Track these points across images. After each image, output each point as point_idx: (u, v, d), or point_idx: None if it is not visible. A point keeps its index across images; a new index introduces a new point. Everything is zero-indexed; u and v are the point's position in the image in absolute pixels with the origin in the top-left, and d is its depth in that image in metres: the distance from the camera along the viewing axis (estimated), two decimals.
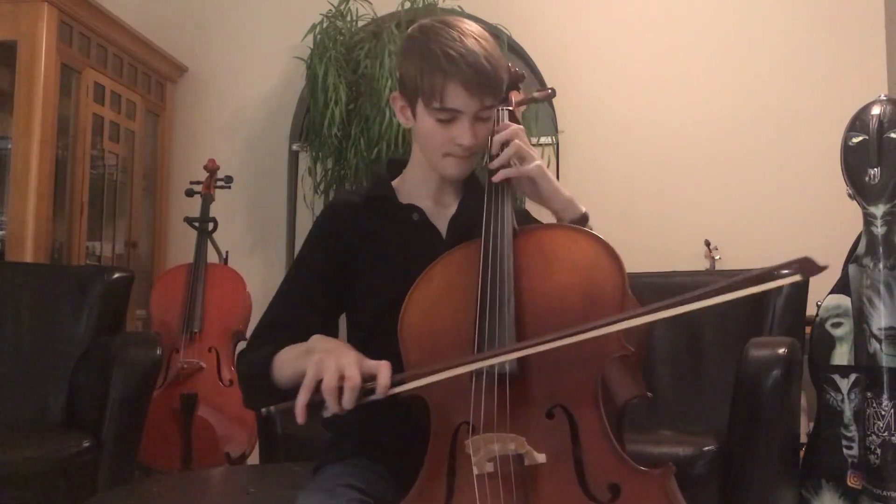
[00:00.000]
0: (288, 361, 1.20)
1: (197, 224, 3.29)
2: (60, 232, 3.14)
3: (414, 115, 1.31)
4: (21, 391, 2.45)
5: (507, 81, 1.32)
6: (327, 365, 1.05)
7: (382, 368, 1.06)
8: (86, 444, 2.20)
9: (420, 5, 3.57)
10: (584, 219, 1.30)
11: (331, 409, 1.05)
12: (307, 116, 3.65)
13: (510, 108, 1.41)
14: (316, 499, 1.16)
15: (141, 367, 2.36)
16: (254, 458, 3.00)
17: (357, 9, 3.66)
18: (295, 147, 3.94)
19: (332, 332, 1.33)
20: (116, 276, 2.65)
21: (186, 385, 2.97)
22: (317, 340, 1.18)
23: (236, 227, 3.81)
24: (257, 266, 3.78)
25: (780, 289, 2.40)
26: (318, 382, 1.05)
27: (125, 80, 3.54)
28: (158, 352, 2.43)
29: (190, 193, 3.33)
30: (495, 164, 1.28)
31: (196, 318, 3.07)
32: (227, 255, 3.39)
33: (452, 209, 1.39)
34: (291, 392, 1.08)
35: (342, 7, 3.63)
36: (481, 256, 1.19)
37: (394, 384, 1.07)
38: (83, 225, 3.20)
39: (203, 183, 3.36)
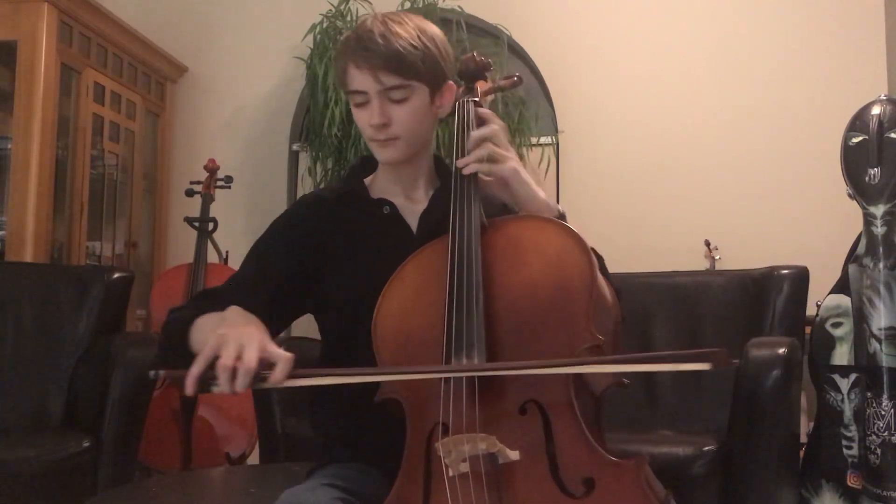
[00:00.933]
0: (203, 328, 1.17)
1: (197, 224, 3.29)
2: (60, 232, 3.14)
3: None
4: (21, 391, 2.45)
5: (423, 61, 1.26)
6: (228, 341, 1.03)
7: (283, 360, 1.03)
8: (86, 444, 2.20)
9: (420, 5, 3.57)
10: (560, 218, 1.28)
11: (222, 387, 1.01)
12: (307, 116, 3.65)
13: (475, 98, 1.39)
14: (296, 496, 1.15)
15: (141, 367, 2.36)
16: (254, 458, 3.00)
17: (357, 9, 3.66)
18: (295, 147, 3.94)
19: (275, 324, 1.30)
20: (116, 276, 2.65)
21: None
22: (232, 312, 1.15)
23: (236, 227, 3.80)
24: None
25: (780, 289, 2.40)
26: (216, 358, 1.02)
27: (125, 80, 3.54)
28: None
29: (190, 193, 3.33)
30: (461, 162, 1.26)
31: None
32: (227, 255, 3.39)
33: (423, 204, 1.38)
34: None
35: (342, 7, 3.63)
36: (448, 253, 1.18)
37: (295, 377, 1.04)
38: (83, 225, 3.20)
39: (203, 183, 3.36)
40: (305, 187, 3.65)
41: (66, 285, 2.60)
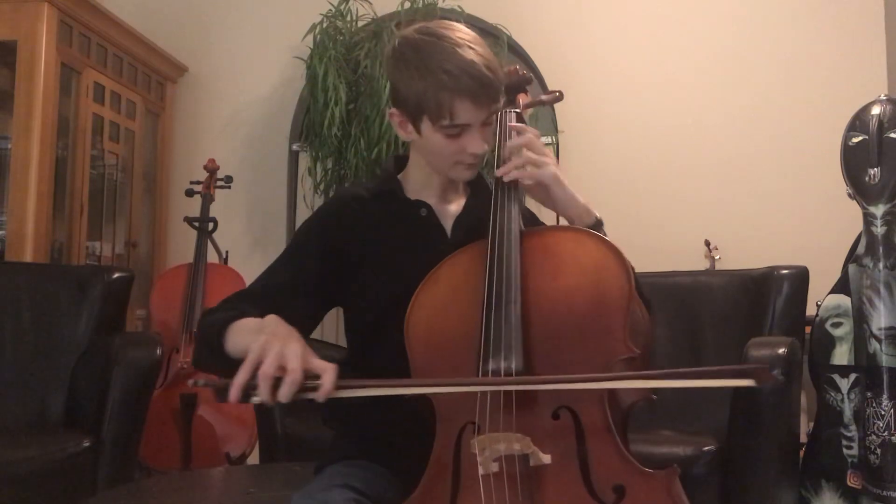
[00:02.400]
0: (241, 332, 1.16)
1: (197, 224, 3.28)
2: (60, 232, 3.14)
3: (418, 131, 1.29)
4: (21, 391, 2.45)
5: (506, 81, 1.30)
6: (270, 350, 1.01)
7: (329, 371, 1.02)
8: (86, 444, 2.21)
9: (420, 5, 3.58)
10: (597, 224, 1.29)
11: (262, 397, 1.00)
12: (307, 116, 3.65)
13: (517, 110, 1.40)
14: (310, 498, 1.15)
15: (141, 367, 2.36)
16: (254, 458, 3.00)
17: (357, 9, 3.66)
18: (295, 147, 3.94)
19: (309, 323, 1.31)
20: (116, 276, 2.65)
21: (186, 385, 2.96)
22: (270, 321, 1.14)
23: (236, 227, 3.81)
24: (257, 266, 3.70)
25: (780, 289, 2.40)
26: (258, 365, 1.01)
27: (125, 80, 3.54)
28: (158, 352, 2.43)
29: (190, 193, 3.33)
30: (502, 170, 1.26)
31: (196, 318, 3.06)
32: (227, 255, 3.39)
33: (457, 208, 1.39)
34: (238, 363, 1.04)
35: (342, 7, 3.63)
36: (488, 257, 1.19)
37: (339, 388, 1.02)
38: (83, 225, 3.20)
39: (203, 183, 3.36)
40: (305, 187, 3.65)
41: (66, 285, 2.60)
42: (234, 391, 1.00)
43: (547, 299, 1.15)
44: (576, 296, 1.15)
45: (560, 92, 1.58)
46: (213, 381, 1.06)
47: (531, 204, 1.45)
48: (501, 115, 1.37)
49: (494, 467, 1.03)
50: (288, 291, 1.30)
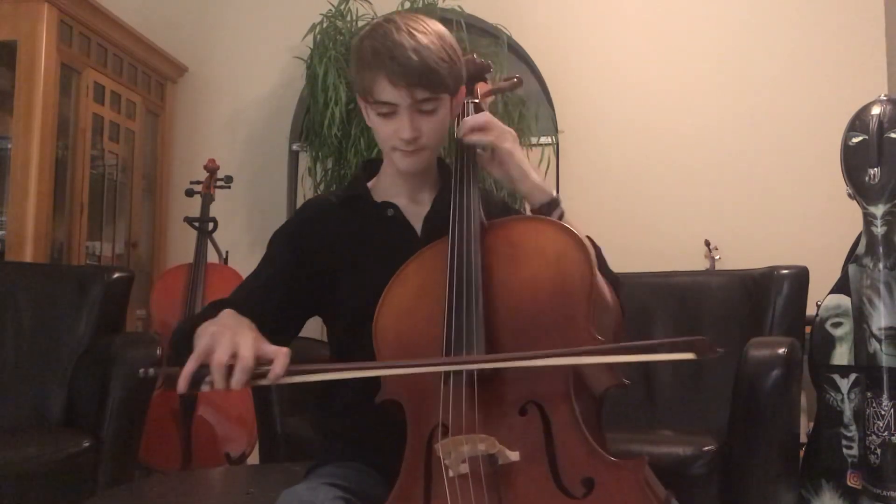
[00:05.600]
0: (203, 332, 1.16)
1: (197, 224, 3.28)
2: (60, 232, 3.14)
3: (367, 114, 1.33)
4: (21, 391, 2.45)
5: (449, 74, 1.27)
6: (223, 339, 1.04)
7: (280, 356, 1.04)
8: (86, 444, 2.20)
9: (420, 5, 3.57)
10: (553, 203, 1.29)
11: (217, 384, 1.02)
12: (307, 116, 3.65)
13: (476, 100, 1.39)
14: (296, 495, 1.15)
15: (141, 368, 2.35)
16: (254, 458, 3.00)
17: (357, 9, 3.66)
18: (295, 147, 3.94)
19: (287, 329, 1.33)
20: (116, 276, 2.65)
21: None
22: (225, 316, 1.17)
23: (236, 227, 3.81)
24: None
25: (780, 289, 2.40)
26: (210, 355, 1.03)
27: (125, 80, 3.54)
28: (158, 352, 2.43)
29: (190, 193, 3.33)
30: (461, 129, 1.29)
31: None
32: (227, 255, 3.39)
33: (427, 206, 1.39)
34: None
35: (342, 7, 3.63)
36: (448, 254, 1.19)
37: (293, 373, 1.05)
38: (83, 225, 3.20)
39: (203, 183, 3.36)
40: (305, 187, 3.65)
41: (66, 285, 2.60)
42: (183, 380, 1.02)
43: (510, 292, 1.15)
44: (538, 286, 1.14)
45: (518, 77, 1.53)
46: (165, 370, 1.08)
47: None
48: (461, 106, 1.38)
49: (463, 469, 1.03)
50: (260, 295, 1.31)
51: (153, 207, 3.82)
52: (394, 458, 1.14)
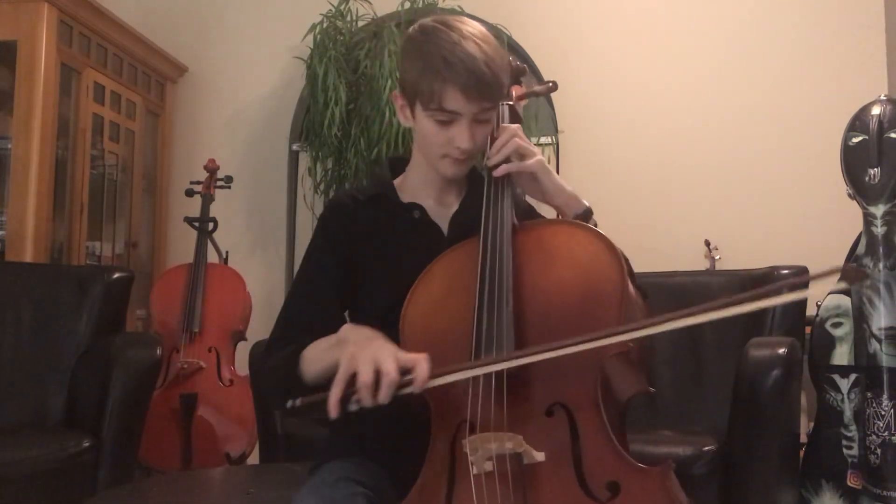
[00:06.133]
0: (318, 356, 1.18)
1: (197, 224, 3.29)
2: (60, 232, 3.13)
3: (413, 115, 1.31)
4: (21, 391, 2.45)
5: (507, 82, 1.30)
6: (363, 358, 1.04)
7: (421, 362, 1.05)
8: (86, 444, 2.20)
9: (420, 5, 3.57)
10: (587, 213, 1.30)
11: (364, 402, 1.03)
12: (307, 116, 3.64)
13: (510, 102, 1.40)
14: (316, 494, 1.15)
15: (141, 367, 2.36)
16: (254, 458, 3.00)
17: (357, 9, 3.66)
18: (295, 147, 3.94)
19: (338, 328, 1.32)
20: (116, 276, 2.65)
21: (186, 385, 2.97)
22: (348, 331, 1.17)
23: (236, 227, 3.81)
24: (257, 266, 3.78)
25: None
26: (352, 376, 1.04)
27: (125, 80, 3.54)
28: (158, 352, 2.43)
29: (190, 193, 3.33)
30: (494, 160, 1.28)
31: (196, 318, 3.06)
32: (227, 255, 3.39)
33: (454, 207, 1.39)
34: (322, 388, 1.06)
35: (342, 7, 3.63)
36: (479, 254, 1.19)
37: (434, 377, 1.05)
38: (83, 225, 3.20)
39: (203, 183, 3.36)
40: (305, 187, 3.65)
41: (66, 285, 2.60)
42: (333, 406, 1.04)
43: (540, 294, 1.15)
44: (568, 290, 1.14)
45: (553, 82, 1.55)
46: (310, 398, 1.08)
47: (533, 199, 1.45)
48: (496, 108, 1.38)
49: (488, 466, 1.03)
50: (322, 309, 1.31)
51: (153, 207, 3.82)
52: (401, 456, 1.14)
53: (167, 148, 3.91)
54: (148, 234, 3.77)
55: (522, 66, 1.50)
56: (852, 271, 0.93)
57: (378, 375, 1.03)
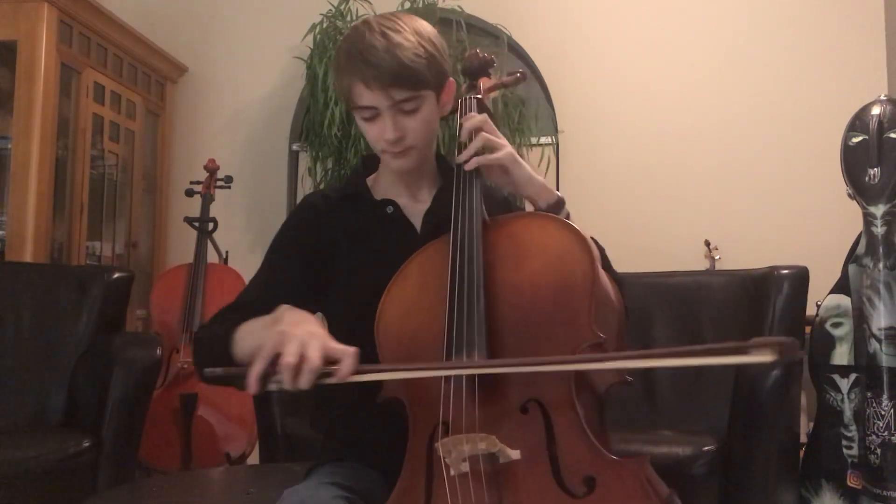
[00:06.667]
0: (250, 332, 1.16)
1: (197, 224, 3.29)
2: (60, 232, 3.13)
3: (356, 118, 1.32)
4: (21, 391, 2.46)
5: (428, 69, 1.25)
6: (291, 340, 1.02)
7: (348, 356, 1.03)
8: (86, 444, 2.21)
9: (420, 5, 3.57)
10: (559, 203, 1.29)
11: (284, 384, 1.01)
12: (307, 116, 3.65)
13: (478, 95, 1.38)
14: (298, 495, 1.15)
15: (141, 367, 2.36)
16: (254, 458, 3.00)
17: (357, 9, 3.66)
18: (295, 147, 3.94)
19: None
20: (116, 276, 2.65)
21: (186, 385, 2.97)
22: (285, 310, 1.13)
23: (236, 227, 3.81)
24: (257, 266, 3.76)
25: (780, 289, 2.39)
26: (277, 356, 1.01)
27: (125, 80, 3.54)
28: (158, 352, 2.43)
29: (190, 193, 3.33)
30: (463, 156, 1.26)
31: (196, 318, 3.06)
32: (227, 255, 3.39)
33: (427, 203, 1.38)
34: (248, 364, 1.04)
35: (342, 7, 3.63)
36: (450, 252, 1.18)
37: (357, 373, 1.04)
38: (83, 225, 3.20)
39: (203, 183, 3.36)
40: (305, 187, 3.65)
41: (66, 285, 2.60)
42: (253, 382, 1.01)
43: (511, 290, 1.14)
44: (540, 284, 1.13)
45: (522, 72, 1.51)
46: (231, 370, 1.07)
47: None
48: (463, 101, 1.37)
49: (465, 467, 1.03)
50: (273, 297, 1.28)
51: (153, 207, 3.82)
52: (394, 458, 1.13)
53: (167, 148, 3.91)
54: (148, 234, 3.77)
55: (490, 58, 1.45)
56: (790, 347, 0.92)
57: (301, 360, 1.00)
